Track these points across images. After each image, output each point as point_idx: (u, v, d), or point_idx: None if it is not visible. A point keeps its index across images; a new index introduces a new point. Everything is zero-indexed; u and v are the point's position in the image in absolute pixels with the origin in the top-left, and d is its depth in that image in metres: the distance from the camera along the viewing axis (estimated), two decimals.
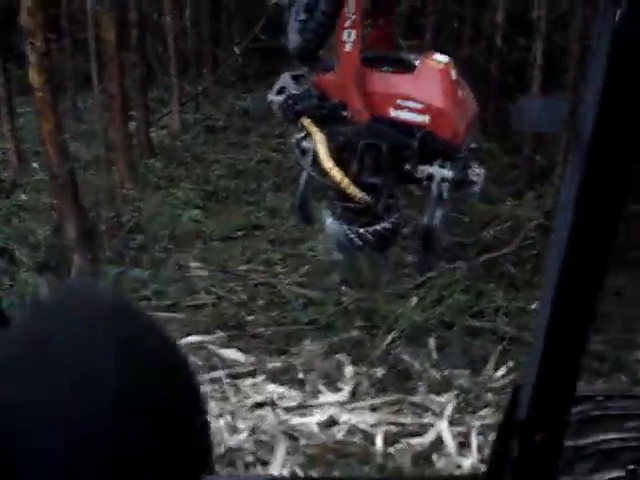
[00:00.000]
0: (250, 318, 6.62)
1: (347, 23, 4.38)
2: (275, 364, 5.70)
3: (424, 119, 4.37)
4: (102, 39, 9.32)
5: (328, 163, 4.38)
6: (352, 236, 4.63)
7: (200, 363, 5.83)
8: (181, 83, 12.98)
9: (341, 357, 5.75)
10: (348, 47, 4.42)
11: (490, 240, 8.06)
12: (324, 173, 4.46)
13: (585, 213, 0.95)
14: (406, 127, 4.40)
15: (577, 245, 0.97)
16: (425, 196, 4.64)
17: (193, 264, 7.58)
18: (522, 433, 1.16)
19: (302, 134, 4.71)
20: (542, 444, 1.13)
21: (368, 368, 5.61)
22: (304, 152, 4.68)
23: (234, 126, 12.76)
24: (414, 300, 6.64)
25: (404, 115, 4.50)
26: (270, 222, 8.79)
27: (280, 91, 4.82)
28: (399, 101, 4.41)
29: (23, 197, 9.39)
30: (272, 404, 5.06)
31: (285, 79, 4.89)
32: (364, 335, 6.18)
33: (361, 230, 4.58)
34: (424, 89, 4.46)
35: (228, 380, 5.41)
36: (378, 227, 4.60)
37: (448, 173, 4.40)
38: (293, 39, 4.56)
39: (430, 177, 4.42)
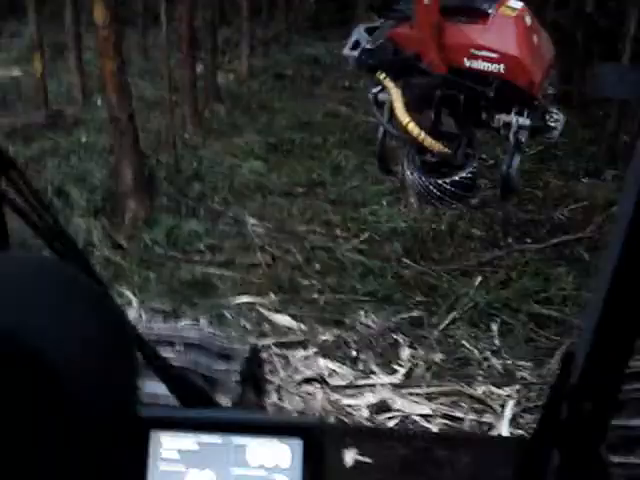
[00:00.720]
0: (305, 282, 6.35)
1: None
2: (328, 336, 5.43)
3: (499, 68, 4.35)
4: None
5: (405, 117, 4.39)
6: (431, 187, 4.62)
7: (250, 327, 5.61)
8: (252, 26, 12.63)
9: (397, 335, 5.44)
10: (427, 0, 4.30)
11: (563, 220, 7.60)
12: (401, 127, 4.46)
13: None
14: (482, 77, 4.36)
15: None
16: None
17: (250, 220, 7.32)
18: (571, 399, 1.15)
19: (377, 88, 4.66)
20: (590, 412, 1.13)
21: (425, 351, 5.30)
22: (380, 106, 4.67)
23: (303, 75, 12.40)
24: (478, 279, 6.28)
25: (479, 65, 4.42)
26: (333, 180, 8.46)
27: (354, 45, 4.74)
28: (473, 51, 4.35)
29: (84, 137, 9.21)
30: (322, 381, 4.80)
31: (359, 32, 4.77)
32: (423, 312, 5.86)
33: (439, 181, 4.58)
34: (498, 38, 4.40)
35: (278, 350, 5.17)
36: (456, 177, 4.56)
37: (525, 121, 4.34)
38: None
39: (507, 125, 4.36)
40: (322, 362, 5.04)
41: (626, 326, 1.06)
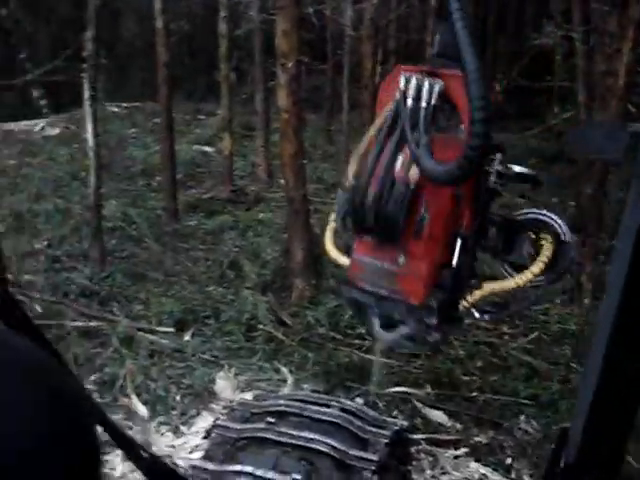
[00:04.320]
0: (465, 379, 6.10)
1: None
2: (482, 439, 5.15)
3: None
4: (361, 65, 9.28)
5: None
6: None
7: (402, 420, 5.43)
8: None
9: None
10: None
11: None
12: None
13: None
14: None
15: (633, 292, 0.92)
16: None
17: None
18: (568, 477, 1.11)
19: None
20: None
21: None
22: None
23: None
24: None
25: None
26: (505, 274, 8.18)
27: None
28: None
29: (262, 214, 9.57)
30: None
31: None
32: None
33: None
34: None
35: (427, 447, 4.95)
36: None
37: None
38: (428, 162, 3.56)
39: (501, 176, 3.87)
40: (473, 465, 4.76)
41: (621, 403, 1.02)
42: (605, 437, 1.06)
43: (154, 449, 4.98)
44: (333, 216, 4.32)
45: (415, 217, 3.80)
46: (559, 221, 3.98)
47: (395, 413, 5.49)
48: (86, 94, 7.65)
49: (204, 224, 9.51)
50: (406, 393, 5.80)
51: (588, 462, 1.08)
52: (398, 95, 3.93)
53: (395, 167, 3.72)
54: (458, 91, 3.52)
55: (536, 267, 3.99)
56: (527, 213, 3.98)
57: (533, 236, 4.17)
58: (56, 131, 14.95)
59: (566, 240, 3.91)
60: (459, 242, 4.07)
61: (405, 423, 4.12)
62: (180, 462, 4.75)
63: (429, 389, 5.89)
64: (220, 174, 11.24)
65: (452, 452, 4.93)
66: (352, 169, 3.80)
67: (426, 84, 3.91)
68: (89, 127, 7.69)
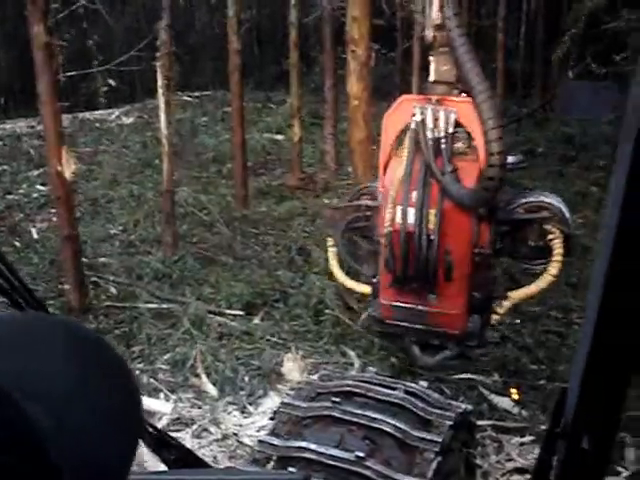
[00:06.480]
0: (532, 367, 6.05)
1: None
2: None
3: None
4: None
5: None
6: None
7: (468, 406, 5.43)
8: (506, 102, 12.57)
9: (625, 434, 4.98)
10: None
11: None
12: None
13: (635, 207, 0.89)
14: None
15: (626, 243, 0.92)
16: None
17: None
18: (568, 436, 1.12)
19: None
20: (588, 448, 1.09)
21: None
22: None
23: (555, 153, 12.07)
24: None
25: None
26: (576, 263, 8.05)
27: None
28: None
29: (330, 201, 9.61)
30: None
31: None
32: None
33: None
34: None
35: (493, 434, 4.94)
36: None
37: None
38: (456, 188, 3.72)
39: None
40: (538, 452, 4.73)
41: (616, 362, 1.03)
42: (602, 396, 1.08)
43: (222, 427, 5.12)
44: (330, 241, 4.43)
45: (443, 264, 3.94)
46: (563, 208, 3.99)
47: (461, 399, 5.48)
48: (160, 83, 7.81)
49: (273, 210, 9.64)
50: (473, 380, 5.79)
51: (586, 421, 1.10)
52: (415, 126, 4.05)
53: (424, 221, 3.83)
54: (470, 116, 3.64)
55: (554, 269, 4.04)
56: (530, 199, 4.06)
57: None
58: (130, 120, 15.30)
59: (571, 230, 3.99)
60: (482, 260, 4.14)
61: (470, 407, 4.13)
62: (247, 440, 4.87)
63: (496, 377, 5.87)
64: (289, 162, 11.35)
65: (518, 439, 4.91)
66: (388, 216, 3.89)
67: (442, 114, 4.04)
68: (162, 116, 7.85)
